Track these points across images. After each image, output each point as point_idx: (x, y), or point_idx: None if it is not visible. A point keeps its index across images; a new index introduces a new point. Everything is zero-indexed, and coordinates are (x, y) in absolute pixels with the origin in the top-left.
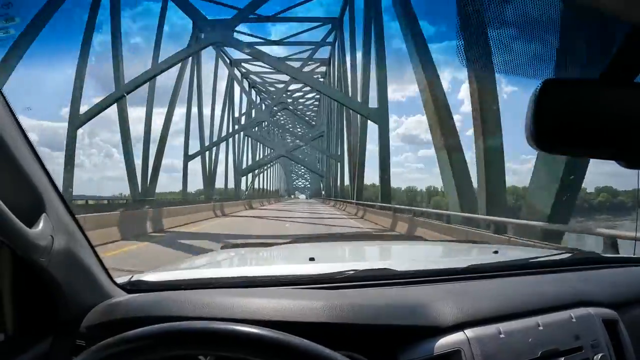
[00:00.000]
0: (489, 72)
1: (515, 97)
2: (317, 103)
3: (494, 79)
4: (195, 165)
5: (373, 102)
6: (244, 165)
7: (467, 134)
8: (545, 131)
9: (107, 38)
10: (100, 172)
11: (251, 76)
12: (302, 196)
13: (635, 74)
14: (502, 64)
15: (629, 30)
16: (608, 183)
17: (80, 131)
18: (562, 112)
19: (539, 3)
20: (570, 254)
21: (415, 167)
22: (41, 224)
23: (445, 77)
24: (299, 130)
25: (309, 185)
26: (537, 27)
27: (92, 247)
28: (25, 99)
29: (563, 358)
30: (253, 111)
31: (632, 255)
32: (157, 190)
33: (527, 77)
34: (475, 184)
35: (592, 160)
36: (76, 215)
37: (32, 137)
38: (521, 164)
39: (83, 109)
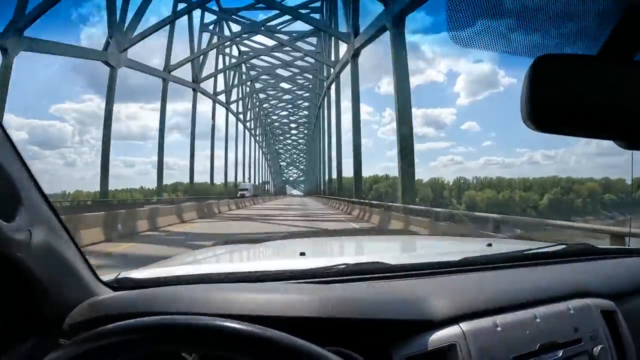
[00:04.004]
0: (484, 54)
1: (509, 92)
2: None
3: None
4: (181, 160)
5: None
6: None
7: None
8: (541, 109)
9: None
10: (92, 169)
11: None
12: (295, 191)
13: (634, 51)
14: (496, 46)
15: (629, 5)
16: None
17: (70, 128)
18: (558, 89)
19: None
20: (564, 246)
21: None
22: (17, 218)
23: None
24: None
25: (302, 178)
26: (533, 8)
27: (75, 244)
28: (15, 96)
29: (562, 350)
30: None
31: (627, 247)
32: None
33: (522, 56)
34: None
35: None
36: None
37: (22, 135)
38: (515, 157)
39: (71, 105)
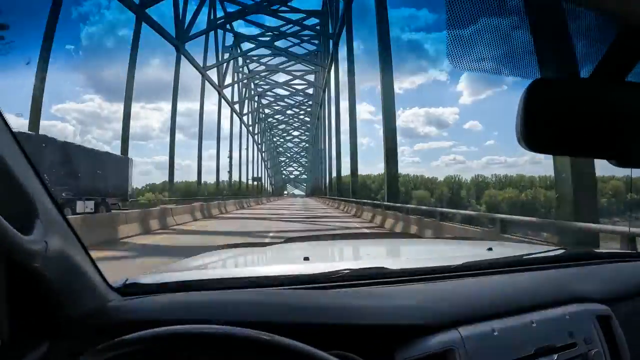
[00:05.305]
0: (479, 72)
1: (512, 91)
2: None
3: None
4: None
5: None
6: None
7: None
8: (535, 131)
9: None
10: None
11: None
12: (297, 191)
13: (626, 72)
14: (492, 63)
15: (621, 29)
16: None
17: (71, 129)
18: (551, 111)
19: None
20: (563, 251)
21: (411, 160)
22: (34, 229)
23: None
24: None
25: (305, 176)
26: (528, 26)
27: (86, 250)
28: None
29: (557, 355)
30: None
31: (625, 251)
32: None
33: (519, 77)
34: None
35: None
36: None
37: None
38: (518, 156)
39: (72, 105)
